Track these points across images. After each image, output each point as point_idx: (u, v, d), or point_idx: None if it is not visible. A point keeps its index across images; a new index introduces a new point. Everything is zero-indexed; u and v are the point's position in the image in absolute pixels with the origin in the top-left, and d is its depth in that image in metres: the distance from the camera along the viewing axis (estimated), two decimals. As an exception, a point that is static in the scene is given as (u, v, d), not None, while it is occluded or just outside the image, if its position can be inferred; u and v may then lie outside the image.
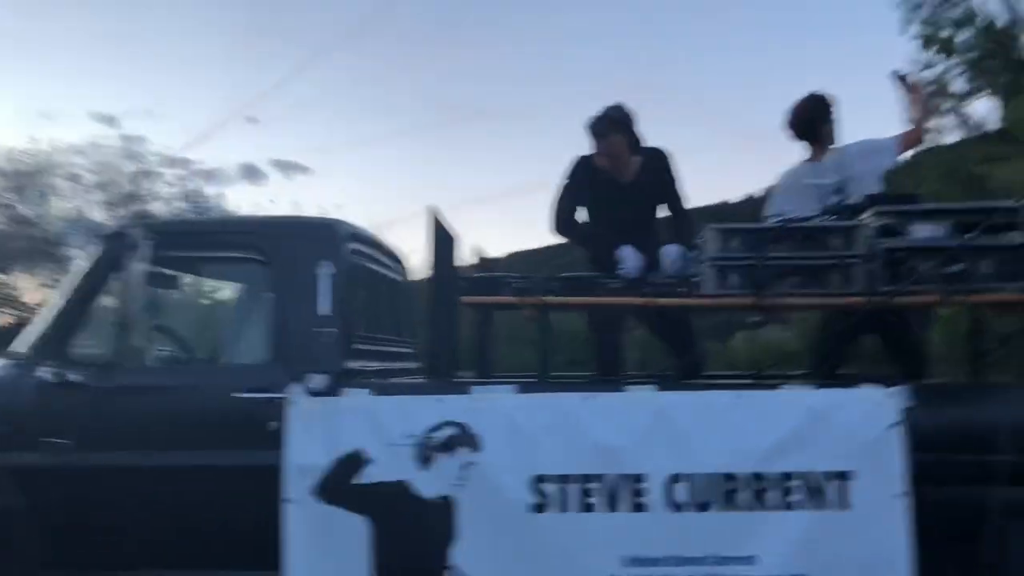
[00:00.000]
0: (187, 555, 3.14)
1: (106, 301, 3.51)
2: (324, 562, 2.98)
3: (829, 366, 3.51)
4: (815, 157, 4.13)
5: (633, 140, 4.02)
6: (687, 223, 4.07)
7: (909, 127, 4.12)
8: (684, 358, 3.87)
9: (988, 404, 3.02)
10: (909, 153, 4.15)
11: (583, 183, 4.06)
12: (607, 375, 3.81)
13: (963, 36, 16.88)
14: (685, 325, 4.02)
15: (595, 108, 3.98)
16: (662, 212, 4.20)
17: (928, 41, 16.90)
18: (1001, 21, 16.48)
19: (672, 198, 4.14)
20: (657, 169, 4.08)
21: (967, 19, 16.75)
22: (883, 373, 3.78)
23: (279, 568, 2.92)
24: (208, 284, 5.00)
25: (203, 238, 3.48)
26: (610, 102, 4.01)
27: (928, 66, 16.98)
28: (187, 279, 4.28)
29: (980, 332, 3.43)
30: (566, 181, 4.10)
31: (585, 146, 4.02)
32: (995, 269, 3.07)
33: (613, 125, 3.95)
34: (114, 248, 3.35)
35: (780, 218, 3.35)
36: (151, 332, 3.57)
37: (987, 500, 2.74)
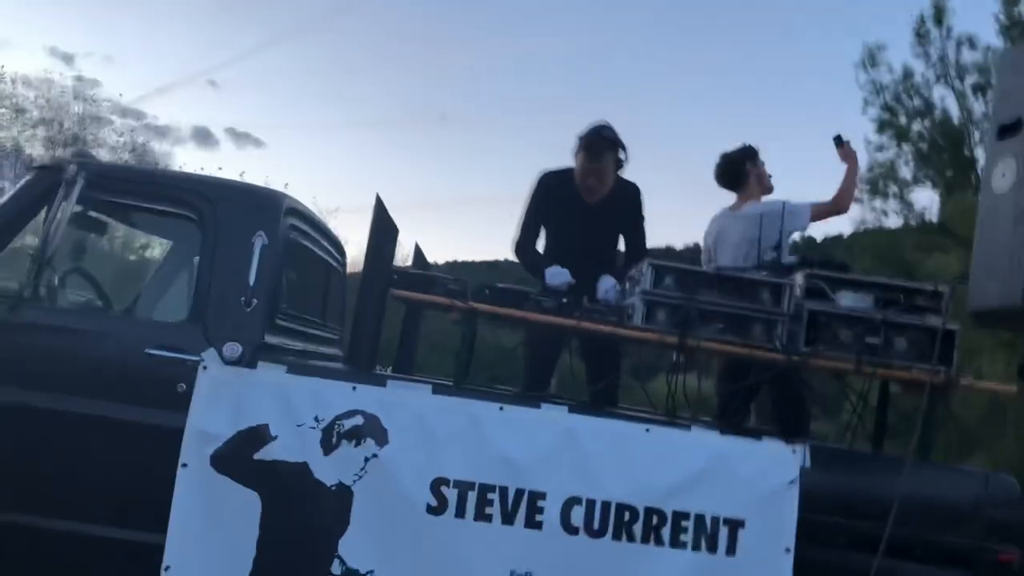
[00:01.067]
0: (74, 506, 3.03)
1: (30, 235, 3.40)
2: (210, 532, 2.92)
3: (731, 414, 3.59)
4: (736, 206, 4.30)
5: (619, 165, 4.07)
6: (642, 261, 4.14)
7: (834, 194, 4.29)
8: (602, 387, 3.90)
9: (881, 474, 3.11)
10: (831, 220, 4.32)
11: (549, 200, 4.08)
12: (532, 390, 3.83)
13: (918, 127, 17.54)
14: (613, 357, 4.05)
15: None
16: (622, 244, 4.24)
17: (884, 126, 17.53)
18: (956, 119, 17.17)
19: (634, 232, 4.18)
20: (628, 201, 4.12)
21: (925, 111, 17.41)
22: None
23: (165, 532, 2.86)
24: (138, 235, 4.89)
25: (141, 187, 3.39)
26: (599, 121, 4.05)
27: (880, 149, 17.61)
28: (117, 226, 4.18)
29: (885, 405, 3.54)
30: (533, 196, 4.12)
31: (543, 163, 4.07)
32: (909, 348, 3.18)
33: (610, 145, 3.97)
34: (47, 180, 3.25)
35: (715, 265, 3.42)
36: (70, 274, 3.48)
37: (866, 567, 2.82)
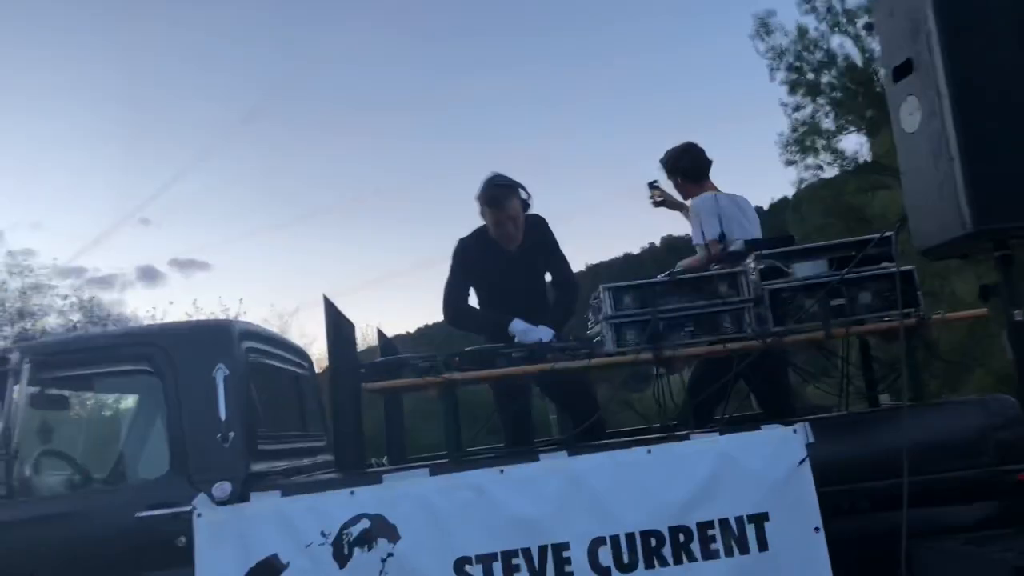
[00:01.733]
0: None
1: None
2: None
3: (706, 412, 3.61)
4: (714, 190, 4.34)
5: (526, 205, 4.07)
6: (572, 289, 4.18)
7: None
8: (584, 420, 3.85)
9: (884, 429, 3.11)
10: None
11: (469, 265, 4.07)
12: (517, 445, 3.79)
13: (827, 78, 17.96)
14: (582, 388, 4.03)
15: (478, 180, 4.03)
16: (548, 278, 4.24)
17: (794, 86, 17.93)
18: (860, 61, 17.61)
19: (555, 262, 4.18)
20: (538, 237, 4.13)
21: (829, 62, 17.84)
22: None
23: None
24: (101, 399, 4.80)
25: (88, 355, 3.35)
26: (487, 174, 4.07)
27: (797, 109, 18.00)
28: (77, 397, 4.12)
29: (869, 360, 3.56)
30: (453, 266, 4.10)
31: (465, 225, 4.08)
32: (874, 299, 3.21)
33: (509, 191, 3.99)
34: (-7, 376, 3.19)
35: (667, 273, 3.44)
36: (41, 458, 3.40)
37: (895, 523, 2.81)
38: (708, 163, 4.35)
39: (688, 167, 4.34)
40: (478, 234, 4.11)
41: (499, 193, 3.97)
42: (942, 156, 2.54)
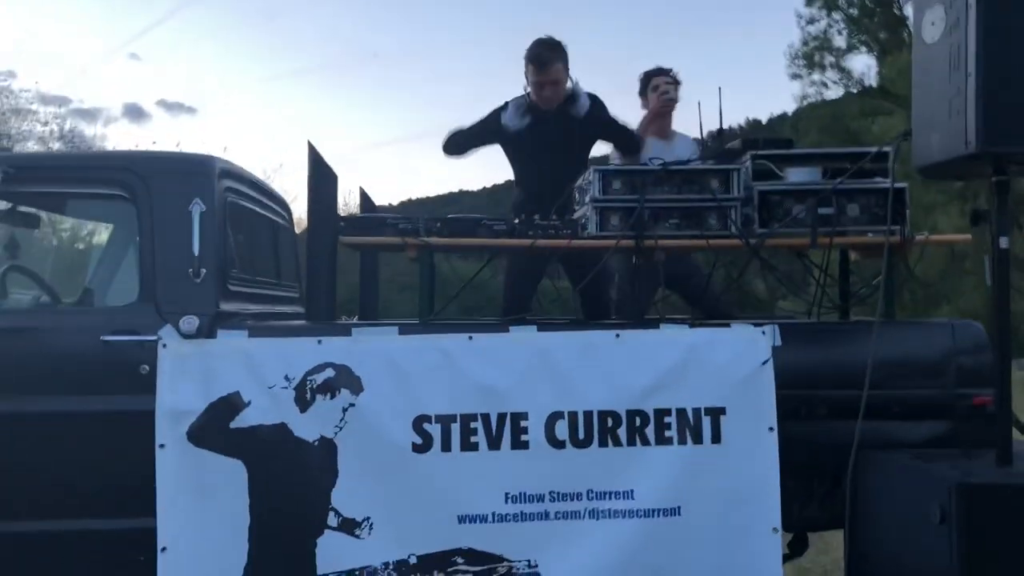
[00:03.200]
0: (60, 504, 3.01)
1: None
2: (201, 508, 2.90)
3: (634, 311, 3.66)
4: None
5: (567, 70, 4.08)
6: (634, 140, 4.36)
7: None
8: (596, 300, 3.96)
9: (851, 341, 3.15)
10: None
11: (500, 126, 4.09)
12: (512, 313, 3.84)
13: (845, -8, 17.48)
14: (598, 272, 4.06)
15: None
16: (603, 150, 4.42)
17: (811, -4, 17.43)
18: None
19: (618, 134, 4.32)
20: (597, 111, 4.15)
21: (850, -25, 17.32)
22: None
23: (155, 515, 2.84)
24: (73, 222, 4.74)
25: (65, 173, 3.27)
26: (541, 35, 4.11)
27: (811, 22, 17.58)
28: (50, 217, 4.05)
29: (847, 273, 3.58)
30: (488, 116, 4.15)
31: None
32: (861, 212, 3.19)
33: (555, 52, 4.03)
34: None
35: (660, 161, 3.38)
36: (9, 272, 3.37)
37: (848, 432, 2.88)
38: None
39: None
40: (523, 99, 4.12)
41: (544, 53, 4.01)
42: (958, 70, 2.48)
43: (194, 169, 3.26)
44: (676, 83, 4.61)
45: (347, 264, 3.75)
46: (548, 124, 4.07)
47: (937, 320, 3.32)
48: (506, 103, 4.12)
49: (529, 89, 4.10)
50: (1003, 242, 2.62)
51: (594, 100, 4.15)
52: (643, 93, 4.66)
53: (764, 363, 2.96)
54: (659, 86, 4.55)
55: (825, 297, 3.57)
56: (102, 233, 4.18)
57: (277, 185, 4.15)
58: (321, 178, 3.25)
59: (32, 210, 3.51)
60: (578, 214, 3.50)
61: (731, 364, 2.99)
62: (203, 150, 4.58)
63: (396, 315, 4.06)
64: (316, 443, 2.92)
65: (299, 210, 5.29)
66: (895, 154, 3.14)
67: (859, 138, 16.51)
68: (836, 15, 17.49)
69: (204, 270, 3.11)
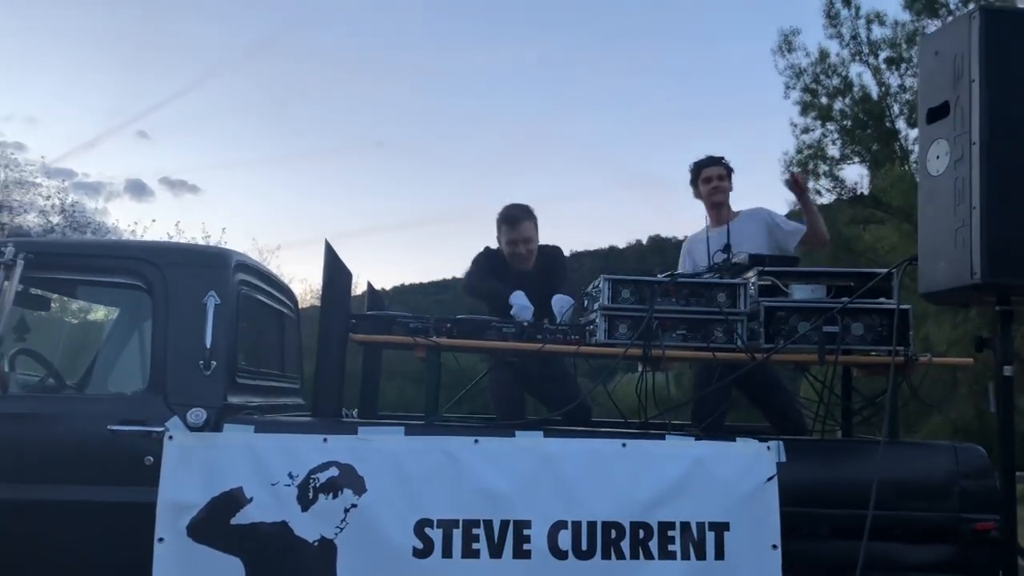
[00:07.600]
0: None
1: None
2: None
3: (708, 418, 3.61)
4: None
5: (536, 230, 4.31)
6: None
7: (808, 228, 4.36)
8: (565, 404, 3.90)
9: (856, 460, 3.16)
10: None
11: (489, 269, 4.29)
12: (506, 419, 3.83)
13: (839, 105, 18.01)
14: (563, 373, 4.20)
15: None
16: None
17: (807, 107, 17.96)
18: (875, 93, 17.67)
19: (564, 285, 4.23)
20: (553, 263, 4.35)
21: (844, 89, 17.87)
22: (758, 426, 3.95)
23: None
24: (84, 306, 4.76)
25: (84, 261, 3.31)
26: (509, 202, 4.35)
27: (806, 131, 18.05)
28: (59, 301, 4.07)
29: (849, 390, 3.60)
30: (477, 259, 4.35)
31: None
32: (866, 332, 3.24)
33: (525, 213, 4.28)
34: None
35: (667, 273, 3.45)
36: (17, 356, 3.37)
37: (851, 553, 2.86)
38: None
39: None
40: (492, 253, 4.37)
41: (516, 213, 4.27)
42: (963, 203, 2.56)
43: (211, 262, 3.31)
44: (728, 171, 4.53)
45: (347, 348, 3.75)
46: (522, 275, 4.24)
47: (939, 443, 3.33)
48: (483, 250, 4.36)
49: (504, 248, 4.30)
50: (1007, 370, 2.66)
51: (557, 249, 4.40)
52: (694, 183, 4.57)
53: (769, 479, 2.97)
54: (711, 179, 4.49)
55: (826, 412, 3.59)
56: (110, 318, 4.20)
57: (273, 266, 4.19)
58: (335, 276, 3.30)
59: (46, 293, 3.54)
60: (585, 320, 3.54)
61: (736, 479, 3.00)
62: (202, 231, 4.64)
63: (385, 403, 4.06)
64: (316, 543, 2.89)
65: (297, 291, 5.31)
66: (899, 276, 3.20)
67: (851, 244, 16.74)
68: (830, 125, 17.92)
69: (215, 363, 3.12)
